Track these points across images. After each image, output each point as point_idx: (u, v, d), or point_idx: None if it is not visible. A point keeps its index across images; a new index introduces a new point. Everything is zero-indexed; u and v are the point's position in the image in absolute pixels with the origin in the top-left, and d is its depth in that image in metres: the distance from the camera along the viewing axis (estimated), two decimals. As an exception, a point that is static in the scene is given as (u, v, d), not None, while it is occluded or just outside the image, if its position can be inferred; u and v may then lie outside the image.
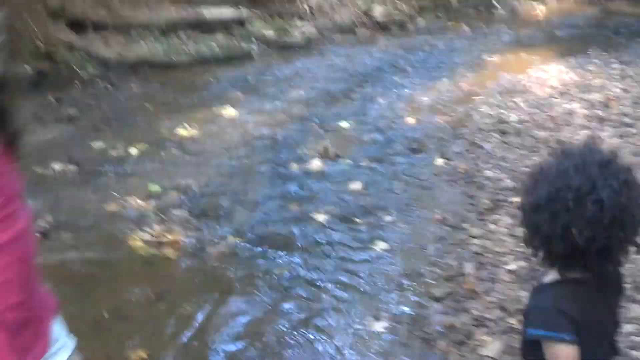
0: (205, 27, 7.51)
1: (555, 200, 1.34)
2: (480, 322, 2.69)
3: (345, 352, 2.60)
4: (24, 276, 1.19)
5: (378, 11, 8.98)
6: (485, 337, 2.59)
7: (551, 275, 1.49)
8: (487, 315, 2.72)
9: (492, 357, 2.47)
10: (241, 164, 4.49)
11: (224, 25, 7.75)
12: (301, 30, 8.22)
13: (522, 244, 1.60)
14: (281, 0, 8.55)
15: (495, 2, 10.30)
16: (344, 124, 5.21)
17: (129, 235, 3.47)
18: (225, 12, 7.85)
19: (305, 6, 8.77)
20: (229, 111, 5.48)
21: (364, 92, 6.10)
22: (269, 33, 7.90)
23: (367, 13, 8.98)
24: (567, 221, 1.32)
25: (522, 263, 3.06)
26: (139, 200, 3.85)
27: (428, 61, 7.22)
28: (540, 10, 10.24)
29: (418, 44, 7.96)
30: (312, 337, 2.70)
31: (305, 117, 5.38)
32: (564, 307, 1.40)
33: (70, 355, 1.36)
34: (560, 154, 1.46)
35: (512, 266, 3.07)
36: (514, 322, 2.58)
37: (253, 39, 7.70)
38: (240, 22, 7.91)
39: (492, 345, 2.53)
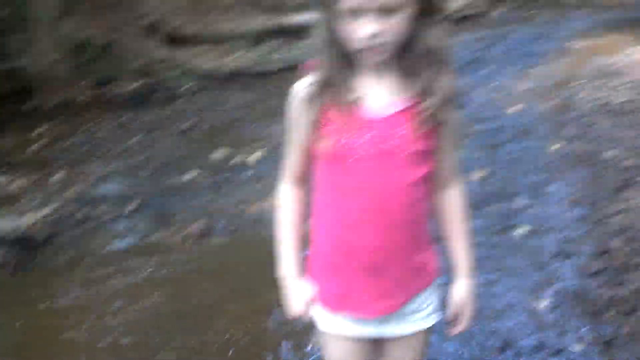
0: (291, 33, 7.75)
1: None
2: (641, 293, 2.77)
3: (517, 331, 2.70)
4: None
5: (454, 5, 9.07)
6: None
7: None
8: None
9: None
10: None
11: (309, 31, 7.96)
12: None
13: None
14: None
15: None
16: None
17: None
18: (309, 17, 8.07)
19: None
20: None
21: (459, 84, 6.19)
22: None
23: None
24: None
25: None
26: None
27: (514, 51, 7.28)
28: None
29: (502, 33, 8.01)
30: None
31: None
32: None
33: None
34: None
35: (664, 240, 3.14)
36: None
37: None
38: (322, 27, 8.12)
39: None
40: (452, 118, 1.35)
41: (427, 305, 1.47)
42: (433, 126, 1.31)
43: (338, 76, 1.29)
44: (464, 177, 3.95)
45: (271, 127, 5.46)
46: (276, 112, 5.87)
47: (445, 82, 1.30)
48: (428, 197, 1.41)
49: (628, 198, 3.61)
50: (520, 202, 3.78)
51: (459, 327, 1.51)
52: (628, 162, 4.02)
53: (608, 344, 2.52)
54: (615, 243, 3.18)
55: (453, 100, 1.33)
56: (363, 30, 1.20)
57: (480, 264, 2.72)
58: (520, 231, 3.47)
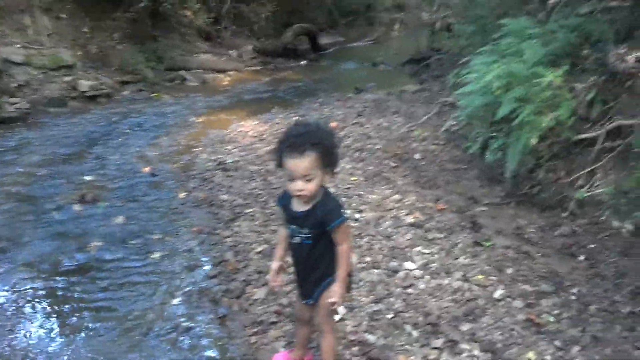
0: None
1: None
2: (248, 282, 3.81)
3: (157, 319, 3.47)
4: None
5: (85, 85, 9.73)
6: (254, 290, 3.72)
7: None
8: (250, 279, 3.86)
9: (262, 298, 3.61)
10: (6, 216, 4.93)
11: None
12: (14, 105, 8.55)
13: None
14: (-12, 78, 8.75)
15: (187, 76, 11.83)
16: (88, 177, 5.95)
17: None
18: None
19: (13, 83, 9.09)
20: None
21: (96, 152, 6.85)
22: (-19, 109, 8.08)
23: (75, 87, 9.66)
24: None
25: (265, 246, 4.29)
26: None
27: (144, 125, 8.23)
28: (226, 81, 12.09)
29: (129, 112, 8.95)
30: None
31: (50, 176, 5.96)
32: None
33: None
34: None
35: (259, 249, 4.28)
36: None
37: (-34, 116, 7.82)
38: (-52, 100, 7.93)
39: (259, 292, 3.68)
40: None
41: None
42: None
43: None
44: (107, 222, 4.64)
45: None
46: None
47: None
48: None
49: (237, 226, 4.72)
50: (155, 236, 4.61)
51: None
52: (236, 202, 5.19)
53: (223, 319, 3.47)
54: (228, 255, 4.22)
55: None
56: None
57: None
58: (156, 256, 4.29)
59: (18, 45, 9.86)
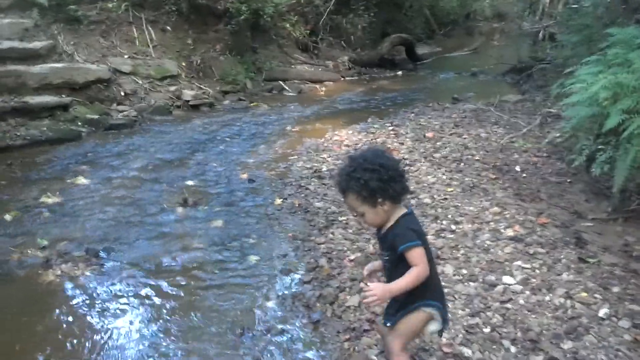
0: (31, 113, 7.98)
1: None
2: (341, 289, 3.82)
3: (252, 320, 3.54)
4: None
5: (188, 94, 10.14)
6: (347, 297, 3.71)
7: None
8: (343, 286, 3.86)
9: (355, 305, 3.59)
10: (114, 217, 5.20)
11: (49, 111, 8.27)
12: (122, 113, 9.04)
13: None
14: (98, 87, 9.30)
15: (285, 86, 12.07)
16: (190, 182, 6.17)
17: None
18: (49, 99, 8.39)
19: (121, 92, 9.62)
20: (81, 180, 6.12)
21: (197, 158, 7.11)
22: (93, 116, 8.59)
23: (179, 97, 10.08)
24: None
25: (358, 254, 4.29)
26: (36, 251, 4.43)
27: (242, 133, 8.47)
28: (322, 91, 12.23)
29: (229, 120, 9.23)
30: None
31: (154, 180, 6.23)
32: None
33: None
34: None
35: (352, 256, 4.28)
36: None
37: (79, 122, 8.34)
38: (64, 107, 8.49)
39: (353, 299, 3.67)
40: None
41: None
42: None
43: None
44: (209, 224, 4.78)
45: (25, 193, 5.72)
46: (28, 181, 6.09)
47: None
48: None
49: (331, 233, 4.75)
50: (251, 240, 4.71)
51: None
52: (330, 210, 5.23)
53: (317, 324, 3.48)
54: (322, 262, 4.24)
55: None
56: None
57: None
58: (253, 259, 4.38)
59: (126, 56, 10.44)
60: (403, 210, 2.52)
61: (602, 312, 3.36)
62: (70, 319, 3.62)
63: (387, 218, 2.50)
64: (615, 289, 3.60)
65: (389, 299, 2.59)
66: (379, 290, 2.44)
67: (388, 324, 2.67)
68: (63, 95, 8.65)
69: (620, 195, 4.65)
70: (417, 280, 2.43)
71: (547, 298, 3.54)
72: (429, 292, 2.53)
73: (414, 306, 2.55)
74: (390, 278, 2.57)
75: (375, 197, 2.43)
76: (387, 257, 2.57)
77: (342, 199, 2.57)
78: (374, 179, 2.40)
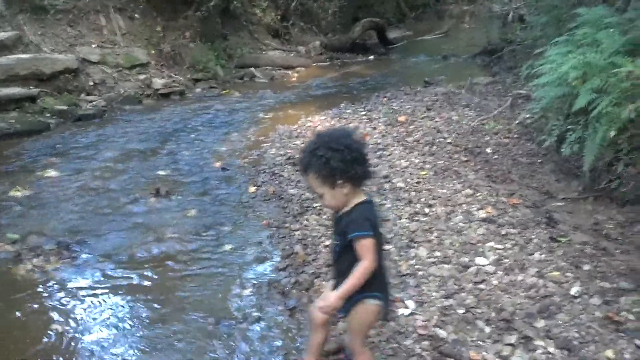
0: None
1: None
2: (316, 275, 3.82)
3: (227, 308, 3.52)
4: None
5: (158, 83, 10.02)
6: (323, 283, 3.71)
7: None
8: (319, 272, 3.86)
9: (331, 291, 3.60)
10: (85, 209, 5.13)
11: (16, 103, 8.11)
12: (91, 103, 8.90)
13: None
14: (66, 78, 9.13)
15: (256, 73, 11.99)
16: (162, 172, 6.11)
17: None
18: (16, 91, 8.22)
19: (90, 82, 9.46)
20: (51, 173, 6.03)
21: (169, 148, 7.04)
22: (62, 107, 8.44)
23: (149, 85, 9.96)
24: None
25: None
26: (6, 246, 4.35)
27: (214, 121, 8.40)
28: (294, 77, 12.17)
29: (201, 108, 9.15)
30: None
31: (125, 170, 6.16)
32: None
33: None
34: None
35: (327, 242, 4.28)
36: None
37: (47, 114, 8.20)
38: (32, 99, 8.33)
39: (328, 285, 3.67)
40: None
41: None
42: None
43: None
44: (182, 214, 4.75)
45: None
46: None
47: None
48: None
49: (305, 220, 4.74)
50: (226, 229, 4.69)
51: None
52: (305, 196, 5.22)
53: (293, 310, 3.48)
54: (297, 248, 4.24)
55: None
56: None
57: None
58: (227, 247, 4.36)
59: (94, 45, 10.27)
60: (363, 197, 2.49)
61: (574, 290, 3.41)
62: (42, 313, 3.58)
63: (345, 202, 2.45)
64: (586, 267, 3.66)
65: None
66: (332, 300, 2.46)
67: (341, 315, 2.69)
68: (30, 87, 8.51)
69: (590, 174, 4.72)
70: (365, 277, 2.40)
71: (520, 278, 3.58)
72: (373, 284, 2.48)
73: (356, 298, 2.50)
74: (336, 263, 2.59)
75: (335, 178, 2.37)
76: (336, 242, 2.54)
77: (303, 177, 2.50)
78: (336, 158, 2.35)
